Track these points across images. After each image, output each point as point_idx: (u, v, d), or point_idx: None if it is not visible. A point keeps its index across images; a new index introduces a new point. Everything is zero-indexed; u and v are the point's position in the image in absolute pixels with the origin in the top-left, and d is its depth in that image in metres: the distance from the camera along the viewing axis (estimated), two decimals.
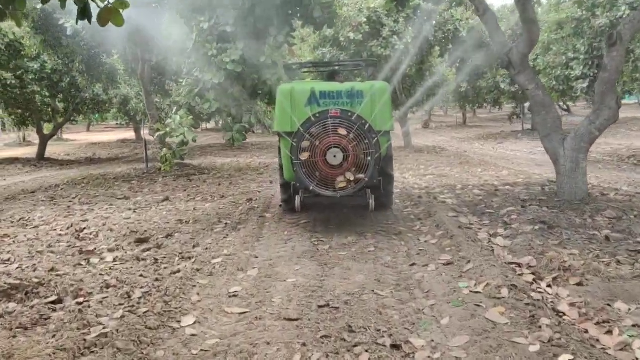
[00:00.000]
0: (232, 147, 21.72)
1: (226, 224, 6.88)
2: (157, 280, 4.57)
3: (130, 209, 8.25)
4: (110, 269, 4.97)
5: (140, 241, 5.97)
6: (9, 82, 15.72)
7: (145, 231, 6.45)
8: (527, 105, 24.95)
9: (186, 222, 6.99)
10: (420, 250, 5.40)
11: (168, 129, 6.81)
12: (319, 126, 6.04)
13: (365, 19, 14.60)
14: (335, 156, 5.97)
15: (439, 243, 5.54)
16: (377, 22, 14.81)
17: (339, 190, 6.07)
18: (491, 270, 4.46)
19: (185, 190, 10.00)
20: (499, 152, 16.64)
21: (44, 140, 19.24)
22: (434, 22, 15.41)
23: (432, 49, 15.96)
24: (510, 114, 24.05)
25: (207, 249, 5.60)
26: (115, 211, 8.15)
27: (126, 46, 11.48)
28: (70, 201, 9.26)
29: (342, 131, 5.98)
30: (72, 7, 3.09)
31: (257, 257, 5.23)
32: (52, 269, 4.76)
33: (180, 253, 5.45)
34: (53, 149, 23.14)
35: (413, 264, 4.95)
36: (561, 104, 29.79)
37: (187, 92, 7.09)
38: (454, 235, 5.61)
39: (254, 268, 4.91)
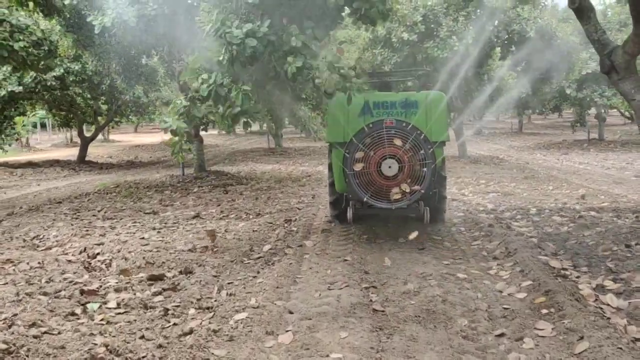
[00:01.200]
0: (275, 153, 20.74)
1: (259, 255, 5.74)
2: (160, 347, 3.45)
3: (154, 228, 7.24)
4: (107, 322, 3.90)
5: (154, 278, 4.89)
6: (49, 84, 15.23)
7: (164, 263, 5.38)
8: (591, 112, 22.90)
9: (213, 250, 5.89)
10: (505, 309, 4.07)
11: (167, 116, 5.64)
12: (373, 136, 5.89)
13: (420, 18, 13.23)
14: (390, 167, 5.84)
15: (529, 299, 4.20)
16: (433, 21, 13.41)
17: (393, 202, 5.90)
18: (618, 358, 3.12)
19: (219, 205, 8.95)
20: (565, 165, 14.90)
21: (85, 143, 18.81)
22: (497, 22, 13.87)
23: (493, 50, 14.40)
24: (573, 121, 22.05)
25: (231, 294, 4.44)
26: (137, 230, 7.16)
27: (161, 45, 10.58)
28: (93, 215, 8.36)
29: (398, 141, 5.83)
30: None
31: (292, 313, 4.04)
32: (34, 324, 3.72)
33: (198, 299, 4.33)
34: (96, 151, 22.84)
35: (501, 334, 3.64)
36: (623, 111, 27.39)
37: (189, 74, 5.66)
38: (549, 289, 4.25)
39: (288, 331, 3.72)
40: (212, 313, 4.04)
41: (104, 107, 19.31)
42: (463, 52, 13.26)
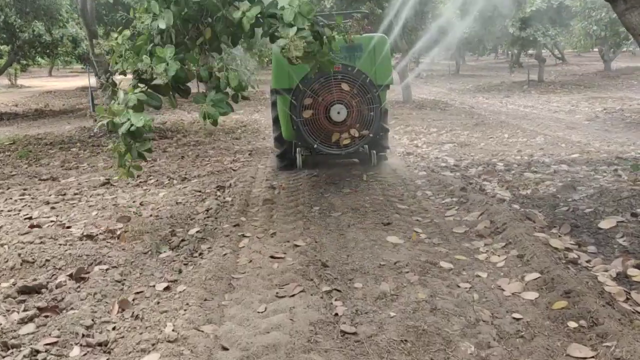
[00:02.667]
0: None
1: (183, 241, 4.35)
2: None
3: (48, 203, 5.63)
4: None
5: (27, 291, 3.40)
6: None
7: (48, 260, 3.87)
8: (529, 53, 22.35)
9: (120, 236, 4.43)
10: (517, 320, 2.98)
11: (111, 109, 4.11)
12: (321, 82, 5.72)
13: None
14: (339, 112, 5.76)
15: (543, 303, 3.12)
16: None
17: (343, 148, 5.90)
18: None
19: None
20: (511, 109, 14.18)
21: None
22: None
23: None
24: (511, 62, 21.43)
25: (138, 316, 3.07)
26: (25, 206, 5.52)
27: None
28: None
29: (345, 86, 5.72)
30: None
31: (226, 349, 2.73)
32: None
33: (88, 328, 2.93)
34: (1, 98, 19.88)
35: None
36: (556, 52, 27.28)
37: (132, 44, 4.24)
38: (565, 286, 3.19)
39: None
40: (107, 358, 2.67)
41: (4, 47, 16.47)
42: None
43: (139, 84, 4.18)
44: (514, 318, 3.01)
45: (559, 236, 4.10)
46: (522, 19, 16.45)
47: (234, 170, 7.07)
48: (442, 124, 11.13)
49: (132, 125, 3.90)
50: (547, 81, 20.06)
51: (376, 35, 6.12)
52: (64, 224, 4.85)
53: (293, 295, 3.29)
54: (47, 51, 17.05)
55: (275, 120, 6.44)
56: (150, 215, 5.02)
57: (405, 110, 13.61)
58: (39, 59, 19.18)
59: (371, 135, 5.90)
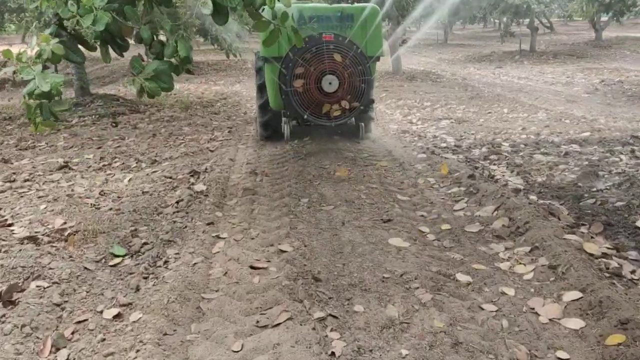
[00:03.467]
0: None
1: (143, 244, 3.60)
2: None
3: None
4: None
5: None
6: None
7: None
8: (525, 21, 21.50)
9: (69, 239, 3.65)
10: None
11: (17, 57, 3.31)
12: (312, 51, 5.53)
13: None
14: (330, 83, 5.60)
15: (593, 335, 2.47)
16: None
17: (333, 119, 5.75)
18: None
19: (100, 147, 6.48)
20: (505, 81, 13.46)
21: None
22: None
23: None
24: (502, 31, 20.58)
25: None
26: None
27: None
28: None
29: (337, 57, 5.54)
30: None
31: None
32: None
33: None
34: None
35: None
36: (544, 20, 26.43)
37: None
38: (615, 308, 2.54)
39: None
40: None
41: None
42: None
43: (61, 31, 3.35)
44: (558, 358, 2.35)
45: (592, 237, 3.44)
46: None
47: (211, 151, 6.27)
48: (435, 98, 10.37)
49: (36, 87, 3.09)
50: (538, 51, 19.32)
51: (368, 5, 5.83)
52: (6, 220, 4.05)
53: (278, 325, 2.58)
54: (15, 16, 15.73)
55: (261, 88, 6.13)
56: (110, 209, 4.23)
57: (395, 82, 12.80)
58: (10, 25, 17.80)
59: (361, 107, 5.75)
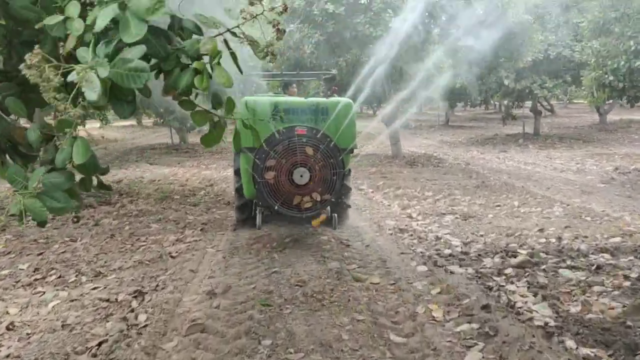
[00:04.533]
0: (178, 150, 17.08)
1: None
2: None
3: None
4: None
5: None
6: None
7: None
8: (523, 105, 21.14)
9: None
10: None
11: None
12: (284, 144, 5.51)
13: None
14: (302, 176, 5.55)
15: None
16: None
17: (304, 211, 5.66)
18: None
19: (41, 253, 5.46)
20: (511, 166, 12.63)
21: None
22: None
23: (431, 29, 11.74)
24: (504, 114, 20.16)
25: None
26: None
27: None
28: None
29: (310, 150, 5.52)
30: None
31: None
32: None
33: None
34: None
35: None
36: (545, 103, 26.22)
37: None
38: None
39: None
40: None
41: None
42: (397, 30, 10.49)
43: None
44: None
45: None
46: (517, 70, 15.18)
47: (172, 257, 5.25)
48: (438, 186, 9.47)
49: None
50: (542, 135, 18.72)
51: (342, 100, 5.92)
52: None
53: None
54: None
55: (237, 172, 6.16)
56: (7, 357, 3.15)
57: (394, 167, 11.99)
58: None
59: (333, 200, 5.71)
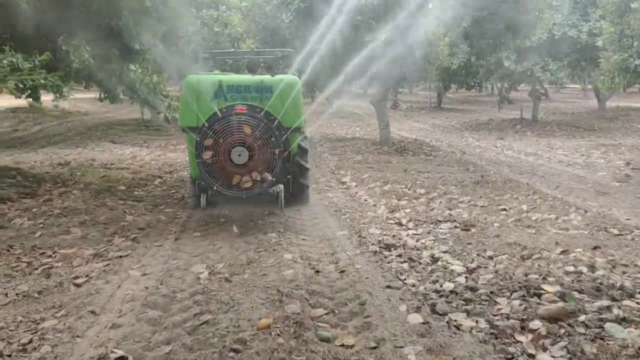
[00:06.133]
0: (148, 127, 15.49)
1: None
2: None
3: None
4: None
5: None
6: None
7: None
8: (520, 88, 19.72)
9: None
10: None
11: None
12: (222, 123, 5.35)
13: None
14: (240, 155, 5.38)
15: None
16: None
17: (244, 190, 5.47)
18: None
19: None
20: (510, 157, 11.28)
21: None
22: None
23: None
24: (500, 98, 18.72)
25: None
26: None
27: None
28: None
29: (247, 129, 5.36)
30: None
31: None
32: None
33: None
34: None
35: None
36: (538, 87, 24.85)
37: None
38: None
39: None
40: None
41: None
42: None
43: None
44: None
45: None
46: (518, 50, 13.70)
47: (77, 285, 3.79)
48: (431, 181, 8.08)
49: None
50: (540, 121, 17.36)
51: (286, 77, 5.80)
52: None
53: None
54: None
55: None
56: None
57: (382, 155, 10.56)
58: None
59: (274, 179, 5.45)
